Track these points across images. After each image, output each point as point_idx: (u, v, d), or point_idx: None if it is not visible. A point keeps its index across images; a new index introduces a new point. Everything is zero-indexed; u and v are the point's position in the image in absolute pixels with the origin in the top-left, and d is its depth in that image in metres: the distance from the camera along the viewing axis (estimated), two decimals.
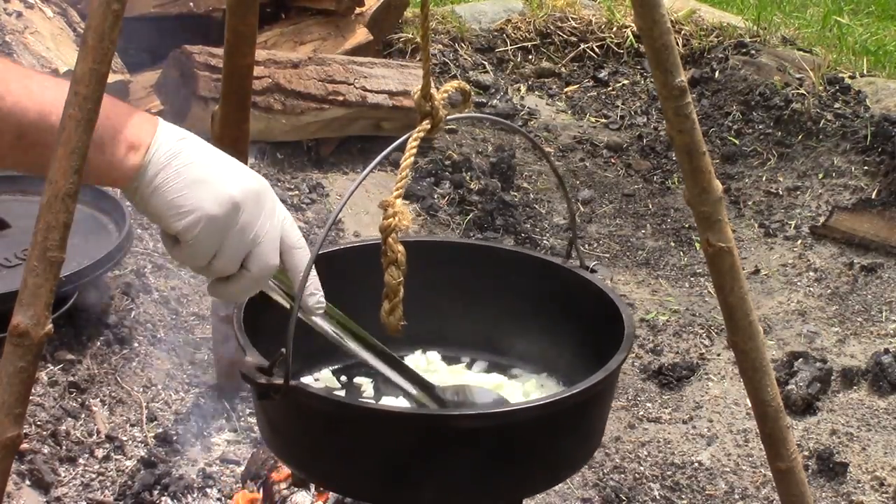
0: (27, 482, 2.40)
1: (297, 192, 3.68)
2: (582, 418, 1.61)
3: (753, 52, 4.69)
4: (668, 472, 2.83)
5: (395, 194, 1.50)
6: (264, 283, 1.52)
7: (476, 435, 1.49)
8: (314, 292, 1.54)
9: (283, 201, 3.54)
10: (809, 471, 2.78)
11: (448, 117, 1.57)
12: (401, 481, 1.51)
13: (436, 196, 3.86)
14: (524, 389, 1.83)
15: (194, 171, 1.45)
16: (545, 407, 1.52)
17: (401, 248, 1.50)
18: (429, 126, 1.55)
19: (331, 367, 1.86)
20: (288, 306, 1.54)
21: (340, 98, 3.85)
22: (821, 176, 4.08)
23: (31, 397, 1.53)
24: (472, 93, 4.55)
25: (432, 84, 1.54)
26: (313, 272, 1.51)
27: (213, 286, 1.53)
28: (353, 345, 1.61)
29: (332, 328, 1.60)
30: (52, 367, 2.67)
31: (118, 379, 2.74)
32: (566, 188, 1.80)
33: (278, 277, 1.54)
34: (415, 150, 1.54)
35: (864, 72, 4.63)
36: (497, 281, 1.87)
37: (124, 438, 2.61)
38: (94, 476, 2.51)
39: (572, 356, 1.81)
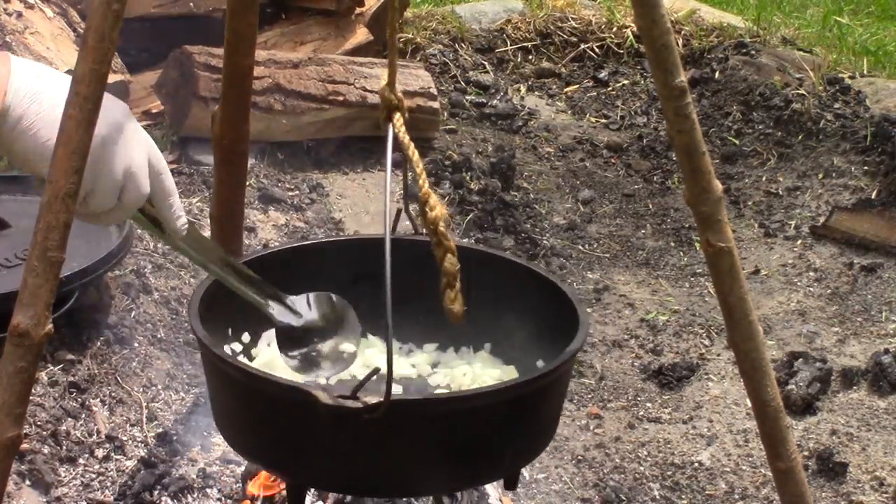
0: (27, 482, 2.40)
1: (297, 192, 3.68)
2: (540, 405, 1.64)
3: (753, 52, 4.69)
4: (668, 472, 2.83)
5: (425, 188, 1.51)
6: (134, 211, 1.54)
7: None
8: (180, 215, 1.58)
9: (283, 201, 3.57)
10: (809, 471, 2.78)
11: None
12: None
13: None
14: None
15: (58, 111, 1.39)
16: (500, 393, 1.58)
17: (450, 235, 1.52)
18: (403, 117, 1.57)
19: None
20: (153, 233, 1.61)
21: (340, 98, 3.85)
22: (821, 176, 4.08)
23: (31, 397, 1.53)
24: (472, 93, 4.55)
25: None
26: (177, 196, 1.56)
27: (79, 216, 1.49)
28: (214, 267, 1.71)
29: (195, 252, 1.69)
30: (52, 367, 2.67)
31: (118, 379, 2.74)
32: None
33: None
34: (412, 142, 1.55)
35: (864, 72, 4.63)
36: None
37: (124, 438, 2.61)
38: (94, 476, 2.51)
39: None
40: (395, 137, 1.55)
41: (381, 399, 1.43)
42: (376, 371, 1.46)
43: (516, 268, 1.94)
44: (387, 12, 4.82)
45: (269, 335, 1.90)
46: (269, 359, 1.88)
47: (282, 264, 1.91)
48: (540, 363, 1.88)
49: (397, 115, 1.56)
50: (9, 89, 1.43)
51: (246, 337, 1.91)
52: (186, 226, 1.62)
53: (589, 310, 3.50)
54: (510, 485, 1.72)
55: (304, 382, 1.60)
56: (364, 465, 1.56)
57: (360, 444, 1.53)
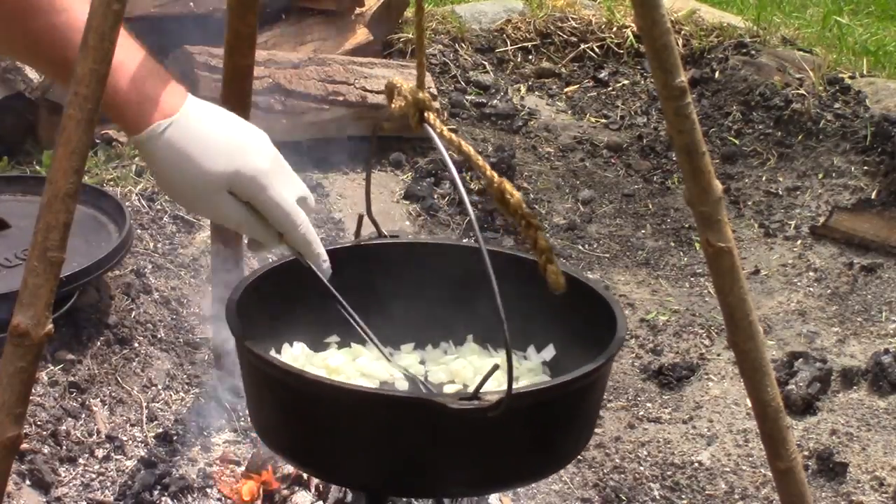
0: (27, 482, 2.40)
1: None
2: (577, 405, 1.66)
3: (753, 52, 4.69)
4: (668, 472, 2.83)
5: (497, 177, 1.50)
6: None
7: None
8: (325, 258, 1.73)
9: None
10: (809, 471, 2.78)
11: None
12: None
13: (436, 196, 3.86)
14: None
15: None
16: (538, 394, 1.58)
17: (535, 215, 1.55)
18: (436, 117, 1.56)
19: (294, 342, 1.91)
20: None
21: (340, 98, 3.85)
22: (821, 176, 4.08)
23: (31, 397, 1.53)
24: (472, 93, 4.55)
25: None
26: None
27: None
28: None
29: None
30: (52, 367, 2.67)
31: (118, 379, 2.74)
32: None
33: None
34: (460, 138, 1.56)
35: (864, 72, 4.63)
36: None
37: (124, 438, 2.61)
38: (94, 476, 2.51)
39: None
40: (440, 136, 1.55)
41: (503, 395, 1.45)
42: (496, 368, 1.47)
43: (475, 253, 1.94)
44: (387, 13, 4.83)
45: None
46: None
47: (261, 292, 1.90)
48: (531, 349, 1.90)
49: (432, 116, 1.55)
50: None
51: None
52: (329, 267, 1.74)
53: None
54: None
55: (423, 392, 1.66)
56: (473, 464, 1.57)
57: (479, 443, 1.54)
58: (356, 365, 1.92)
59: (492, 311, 1.85)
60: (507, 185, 1.48)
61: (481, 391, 1.46)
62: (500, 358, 1.93)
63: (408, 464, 1.58)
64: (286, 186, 1.66)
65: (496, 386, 1.82)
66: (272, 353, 1.89)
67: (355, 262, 1.96)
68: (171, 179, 1.60)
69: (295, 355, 1.90)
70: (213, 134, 1.59)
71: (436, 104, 3.76)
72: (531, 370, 1.91)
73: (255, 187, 1.62)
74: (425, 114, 1.55)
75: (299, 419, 1.66)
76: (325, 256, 1.72)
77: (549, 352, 1.89)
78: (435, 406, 1.46)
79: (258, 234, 1.68)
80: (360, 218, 1.94)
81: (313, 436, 1.64)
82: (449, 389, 1.89)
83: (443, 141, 1.52)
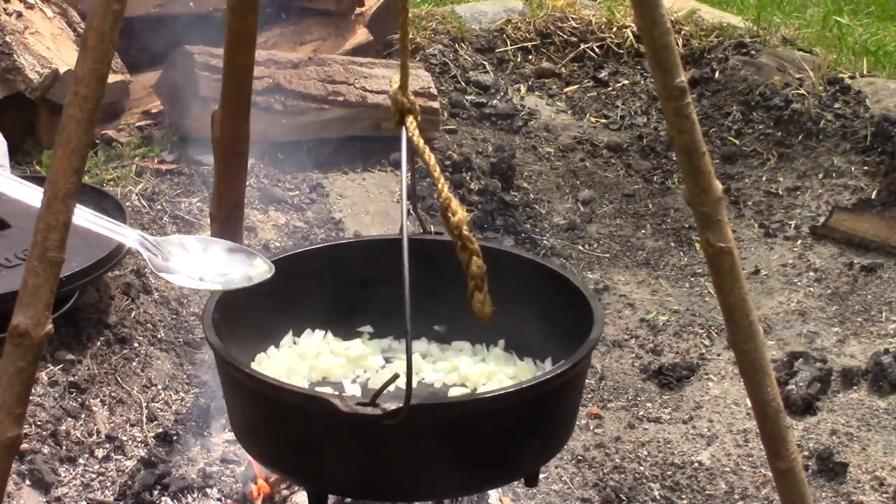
0: (27, 482, 2.40)
1: (297, 192, 3.68)
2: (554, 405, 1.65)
3: (753, 52, 4.69)
4: (668, 472, 2.83)
5: (445, 193, 1.51)
6: None
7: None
8: None
9: (283, 201, 3.57)
10: (809, 471, 2.78)
11: None
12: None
13: (436, 196, 3.86)
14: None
15: None
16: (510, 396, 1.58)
17: (474, 238, 1.53)
18: (416, 121, 1.57)
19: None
20: None
21: (340, 98, 3.85)
22: (821, 176, 4.08)
23: (31, 397, 1.53)
24: (472, 93, 4.55)
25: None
26: None
27: None
28: None
29: None
30: (52, 367, 2.67)
31: (118, 379, 2.75)
32: None
33: None
34: (426, 146, 1.55)
35: (864, 72, 4.63)
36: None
37: (124, 438, 2.61)
38: (94, 476, 2.51)
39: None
40: (409, 141, 1.55)
41: (401, 405, 1.44)
42: (396, 377, 1.46)
43: (526, 263, 1.94)
44: (387, 13, 4.82)
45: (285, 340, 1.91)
46: (284, 363, 1.88)
47: (290, 267, 1.91)
48: (549, 361, 1.89)
49: (410, 119, 1.55)
50: None
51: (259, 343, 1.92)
52: None
53: None
54: (530, 482, 1.73)
55: (323, 392, 1.63)
56: (385, 471, 1.56)
57: (380, 450, 1.52)
58: (379, 357, 1.92)
59: (524, 319, 1.86)
60: (454, 203, 1.49)
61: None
62: (522, 366, 1.93)
63: (328, 462, 1.57)
64: None
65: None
66: (290, 335, 1.90)
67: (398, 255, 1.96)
68: None
69: (315, 341, 1.90)
70: None
71: (435, 104, 3.75)
72: None
73: None
74: (406, 117, 1.56)
75: (244, 408, 1.67)
76: None
77: (563, 366, 1.88)
78: (330, 407, 1.46)
79: None
80: (407, 213, 1.95)
81: (255, 427, 1.66)
82: (454, 392, 1.88)
83: (416, 147, 1.53)
